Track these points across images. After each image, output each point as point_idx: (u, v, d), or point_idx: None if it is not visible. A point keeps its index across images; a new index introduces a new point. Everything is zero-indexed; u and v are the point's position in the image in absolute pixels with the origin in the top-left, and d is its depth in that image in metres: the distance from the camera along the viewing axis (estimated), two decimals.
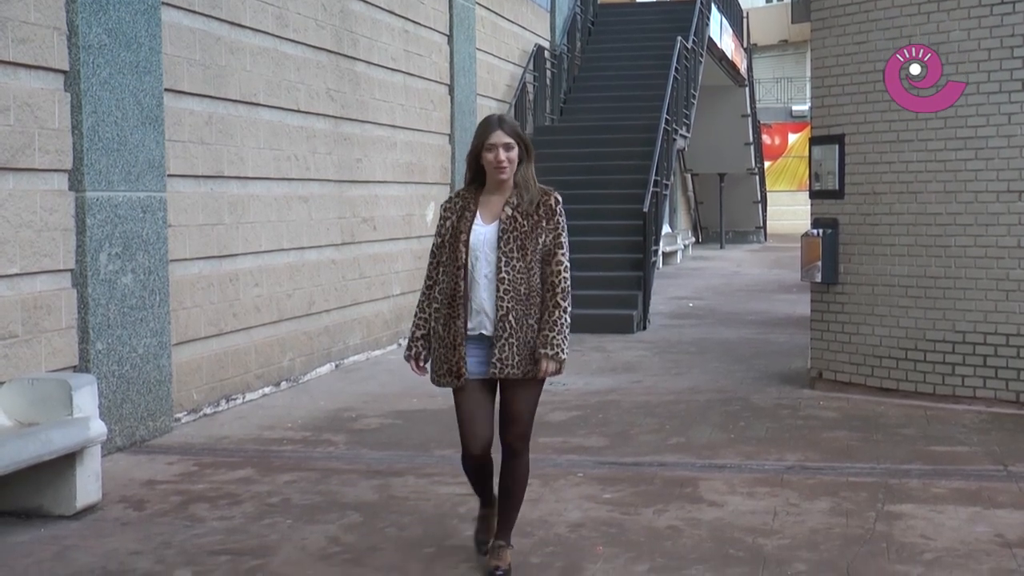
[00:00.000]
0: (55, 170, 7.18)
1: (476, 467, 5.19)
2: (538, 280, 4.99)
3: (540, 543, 5.54)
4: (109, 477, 6.61)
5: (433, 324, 5.08)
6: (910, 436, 7.82)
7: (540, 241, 4.99)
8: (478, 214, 5.03)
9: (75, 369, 7.28)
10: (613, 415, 8.72)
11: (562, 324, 4.96)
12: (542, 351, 4.92)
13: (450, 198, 5.19)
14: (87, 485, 6.17)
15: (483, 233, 4.98)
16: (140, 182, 7.83)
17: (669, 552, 5.39)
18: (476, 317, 4.97)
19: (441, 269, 5.06)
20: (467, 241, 4.96)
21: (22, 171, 6.91)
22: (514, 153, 4.95)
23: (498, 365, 4.92)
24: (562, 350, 4.94)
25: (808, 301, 10.02)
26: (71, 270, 7.31)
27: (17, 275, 6.87)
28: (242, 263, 9.39)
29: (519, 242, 4.93)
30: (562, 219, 5.06)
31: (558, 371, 5.02)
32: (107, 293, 7.51)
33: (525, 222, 4.96)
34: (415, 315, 5.19)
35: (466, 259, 4.96)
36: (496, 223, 4.98)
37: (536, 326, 4.96)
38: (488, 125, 5.01)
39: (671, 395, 9.54)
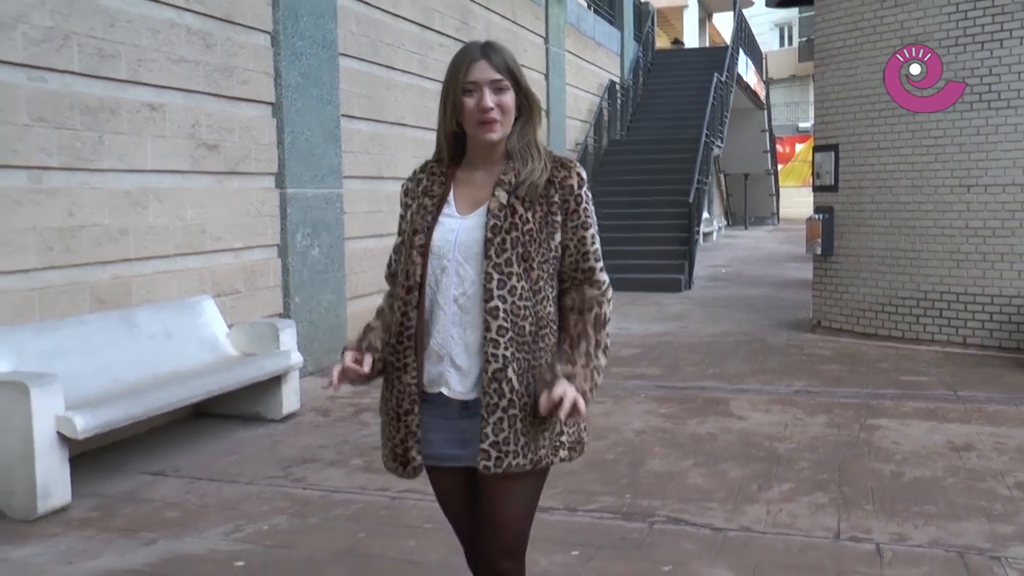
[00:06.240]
0: (265, 173, 7.34)
1: None
2: (552, 308, 2.17)
3: (613, 444, 5.57)
4: (304, 393, 6.77)
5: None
6: (885, 369, 7.71)
7: (553, 245, 2.16)
8: (451, 199, 2.22)
9: (280, 316, 7.46)
10: (666, 352, 8.70)
11: (595, 352, 2.17)
12: (559, 370, 2.11)
13: (413, 173, 2.36)
14: (290, 398, 6.34)
15: (456, 230, 2.17)
16: (324, 182, 7.98)
17: (708, 452, 5.41)
18: (435, 365, 2.17)
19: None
20: (425, 247, 2.20)
21: (243, 174, 7.09)
22: (508, 98, 2.14)
23: (493, 454, 2.11)
24: (589, 381, 2.13)
25: (811, 268, 9.91)
26: (277, 245, 7.48)
27: (240, 248, 7.06)
28: (395, 241, 9.46)
29: (520, 248, 2.11)
30: (590, 208, 2.21)
31: (577, 412, 2.06)
32: (301, 262, 7.68)
33: (529, 214, 2.13)
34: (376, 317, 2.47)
35: (423, 275, 2.19)
36: (481, 214, 2.16)
37: None
38: (466, 54, 2.16)
39: (709, 337, 9.48)
